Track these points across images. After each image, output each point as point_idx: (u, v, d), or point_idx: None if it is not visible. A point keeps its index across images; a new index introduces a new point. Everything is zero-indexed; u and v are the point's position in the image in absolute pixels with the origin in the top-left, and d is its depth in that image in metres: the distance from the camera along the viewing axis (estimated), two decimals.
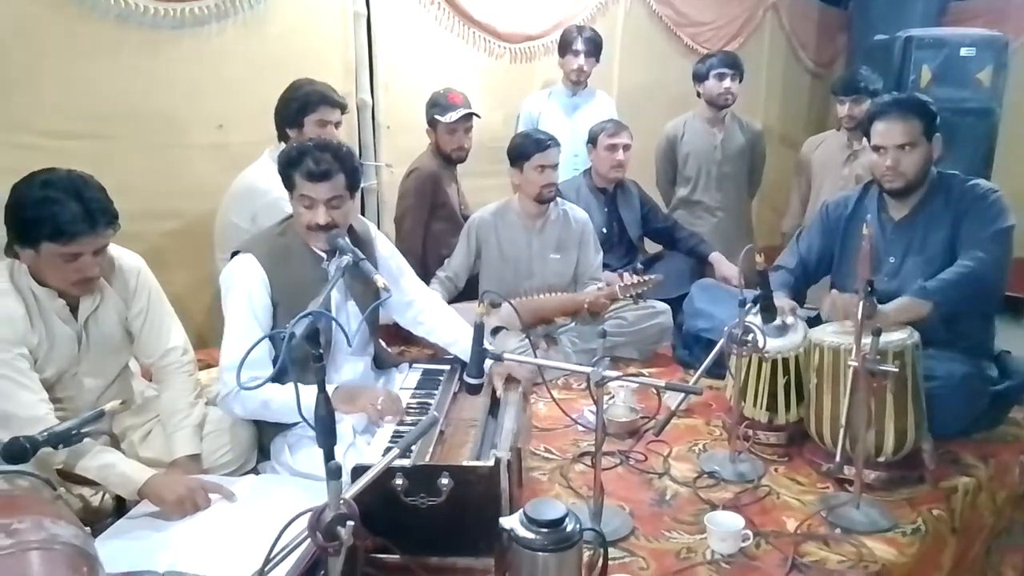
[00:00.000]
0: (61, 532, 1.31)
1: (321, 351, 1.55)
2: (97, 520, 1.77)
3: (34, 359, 1.80)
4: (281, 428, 2.05)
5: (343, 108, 2.78)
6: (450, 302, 2.92)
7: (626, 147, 3.33)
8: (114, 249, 1.94)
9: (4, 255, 1.81)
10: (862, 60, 4.31)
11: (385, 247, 2.31)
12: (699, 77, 3.73)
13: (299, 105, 2.66)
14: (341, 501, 1.19)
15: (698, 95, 3.78)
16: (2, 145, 2.38)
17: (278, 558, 1.15)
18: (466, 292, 3.08)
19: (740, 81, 3.71)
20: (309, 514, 1.17)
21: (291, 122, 2.68)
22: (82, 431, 1.61)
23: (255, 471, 2.05)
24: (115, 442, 1.85)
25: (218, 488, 1.80)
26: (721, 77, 3.65)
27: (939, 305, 2.17)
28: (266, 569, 1.15)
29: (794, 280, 2.58)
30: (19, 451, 1.50)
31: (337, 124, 2.74)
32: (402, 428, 1.95)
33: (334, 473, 1.20)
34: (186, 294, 2.83)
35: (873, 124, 2.33)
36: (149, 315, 2.01)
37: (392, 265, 2.29)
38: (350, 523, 1.16)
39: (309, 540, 1.17)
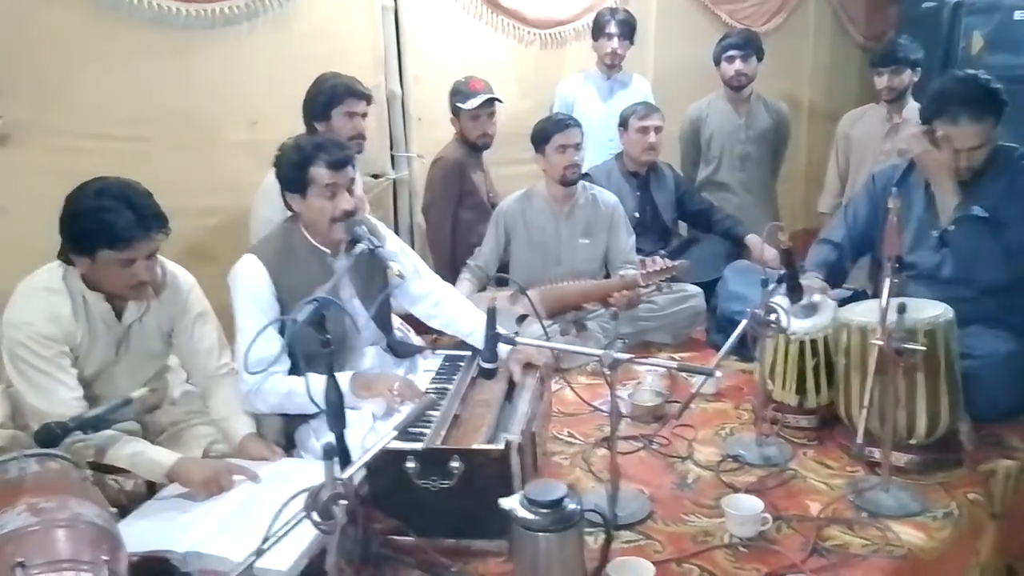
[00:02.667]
0: (85, 512, 1.39)
1: (328, 336, 1.59)
2: (130, 504, 1.84)
3: (75, 356, 1.88)
4: (307, 416, 2.10)
5: (369, 99, 2.79)
6: (479, 291, 2.94)
7: (657, 129, 3.27)
8: (170, 265, 2.03)
9: (58, 258, 1.88)
10: (908, 30, 4.11)
11: (395, 243, 2.33)
12: (715, 60, 3.67)
13: (326, 99, 2.70)
14: (337, 481, 1.22)
15: None
16: (44, 148, 2.49)
17: (275, 538, 1.19)
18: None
19: (759, 60, 3.62)
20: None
21: (319, 116, 2.71)
22: (110, 417, 1.69)
23: None
24: (144, 434, 1.92)
25: (243, 470, 1.86)
26: (731, 59, 3.58)
27: None
28: (265, 547, 1.19)
29: (838, 255, 2.51)
30: (50, 436, 1.59)
31: (364, 115, 2.77)
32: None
33: (329, 453, 1.23)
34: (225, 289, 2.91)
35: (940, 119, 2.23)
36: (195, 333, 2.08)
37: (404, 259, 2.31)
38: (342, 502, 1.18)
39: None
